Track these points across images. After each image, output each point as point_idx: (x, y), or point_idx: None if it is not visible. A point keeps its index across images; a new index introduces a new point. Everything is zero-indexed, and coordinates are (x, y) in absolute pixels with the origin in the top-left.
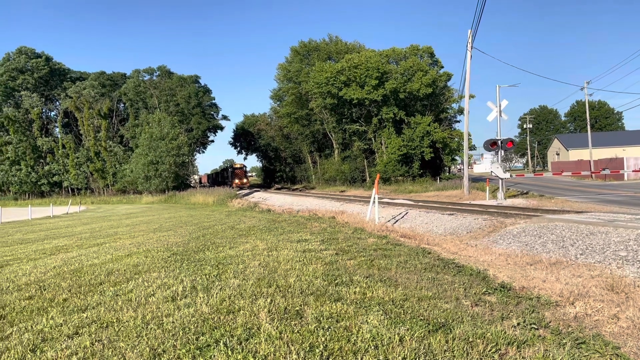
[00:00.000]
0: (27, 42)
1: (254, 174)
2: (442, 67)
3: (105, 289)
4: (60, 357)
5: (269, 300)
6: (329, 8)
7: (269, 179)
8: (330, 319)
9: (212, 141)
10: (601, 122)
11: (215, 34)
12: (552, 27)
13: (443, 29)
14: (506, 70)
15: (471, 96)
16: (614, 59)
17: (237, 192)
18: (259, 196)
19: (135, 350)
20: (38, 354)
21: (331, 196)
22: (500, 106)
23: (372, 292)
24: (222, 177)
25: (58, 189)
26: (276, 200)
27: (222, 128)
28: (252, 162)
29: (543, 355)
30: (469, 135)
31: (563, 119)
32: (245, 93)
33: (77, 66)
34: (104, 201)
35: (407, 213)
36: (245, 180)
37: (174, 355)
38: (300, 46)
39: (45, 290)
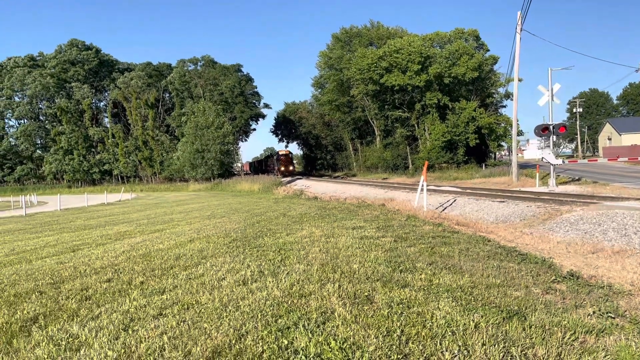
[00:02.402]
0: (76, 34)
1: (294, 161)
2: (488, 50)
3: (177, 272)
4: (152, 336)
5: (336, 285)
6: None
7: (310, 167)
8: (401, 305)
9: (254, 129)
10: None
11: (256, 21)
12: (603, 7)
13: (489, 11)
14: (555, 52)
15: (519, 80)
16: None
17: (282, 180)
18: (302, 184)
19: (220, 331)
20: (130, 333)
21: (374, 183)
22: (552, 90)
23: (439, 279)
24: (266, 164)
25: (108, 177)
26: (320, 187)
27: (264, 116)
28: (293, 149)
29: (625, 344)
30: (517, 120)
31: (615, 102)
32: (286, 81)
33: (124, 57)
34: (152, 189)
35: (455, 200)
36: (291, 168)
37: (258, 336)
38: (342, 33)
39: (121, 273)
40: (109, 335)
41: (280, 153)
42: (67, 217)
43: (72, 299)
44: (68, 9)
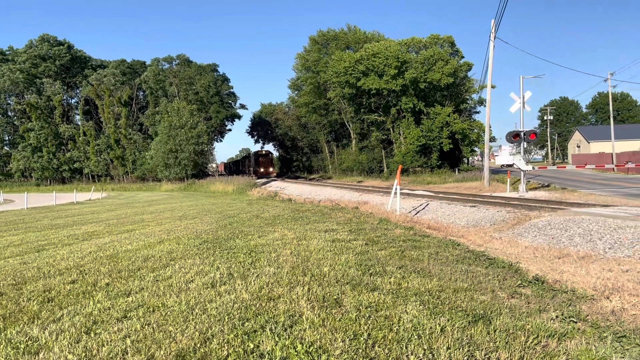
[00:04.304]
0: (48, 29)
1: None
2: (463, 57)
3: (144, 274)
4: (114, 340)
5: (306, 288)
6: None
7: (286, 169)
8: (369, 308)
9: (230, 130)
10: (623, 114)
11: (233, 22)
12: (575, 18)
13: (464, 18)
14: (527, 60)
15: (492, 87)
16: (638, 50)
17: (256, 181)
18: (277, 185)
19: (185, 334)
20: (92, 336)
21: (349, 186)
22: (523, 97)
23: (407, 283)
24: (243, 165)
25: (79, 176)
26: (295, 189)
27: (239, 117)
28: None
29: (586, 349)
30: (489, 126)
31: (584, 110)
32: (263, 82)
33: (98, 54)
34: (123, 188)
35: (427, 204)
36: (271, 169)
37: (223, 340)
38: (319, 35)
39: (86, 274)
40: (70, 338)
41: (259, 153)
42: (33, 216)
43: (33, 301)
44: (40, 4)
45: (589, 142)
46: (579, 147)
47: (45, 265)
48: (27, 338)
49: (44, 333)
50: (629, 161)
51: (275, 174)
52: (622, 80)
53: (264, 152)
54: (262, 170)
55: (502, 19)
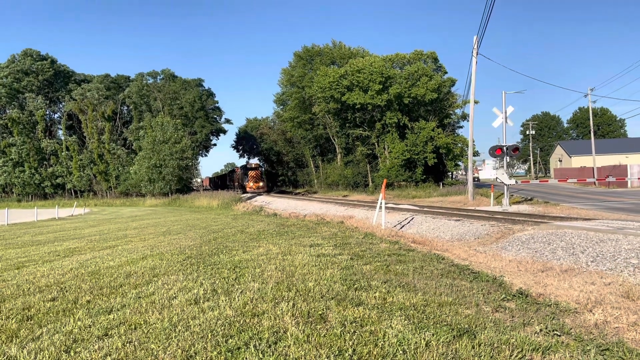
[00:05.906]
0: (31, 44)
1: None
2: (446, 72)
3: (126, 291)
4: (95, 358)
5: (291, 304)
6: (332, 14)
7: (271, 183)
8: (354, 324)
9: (215, 144)
10: (604, 129)
11: (219, 37)
12: (555, 35)
13: (447, 35)
14: (510, 76)
15: (475, 102)
16: (617, 66)
17: (241, 196)
18: (262, 200)
19: (167, 352)
20: (72, 355)
21: (335, 201)
22: (506, 112)
23: (393, 298)
24: (230, 179)
25: (61, 191)
26: (280, 204)
27: (225, 132)
28: None
29: None
30: (473, 141)
31: (565, 125)
32: (248, 97)
33: (81, 68)
34: (107, 203)
35: (412, 218)
36: (261, 184)
37: (206, 357)
38: (304, 51)
39: (67, 292)
40: (49, 357)
41: (248, 166)
42: (14, 232)
43: (12, 319)
44: (24, 18)
45: (570, 157)
46: (560, 161)
47: (24, 283)
48: (4, 358)
49: (22, 352)
50: (610, 175)
51: (265, 189)
52: (602, 95)
53: (254, 165)
54: (252, 184)
55: (484, 35)
